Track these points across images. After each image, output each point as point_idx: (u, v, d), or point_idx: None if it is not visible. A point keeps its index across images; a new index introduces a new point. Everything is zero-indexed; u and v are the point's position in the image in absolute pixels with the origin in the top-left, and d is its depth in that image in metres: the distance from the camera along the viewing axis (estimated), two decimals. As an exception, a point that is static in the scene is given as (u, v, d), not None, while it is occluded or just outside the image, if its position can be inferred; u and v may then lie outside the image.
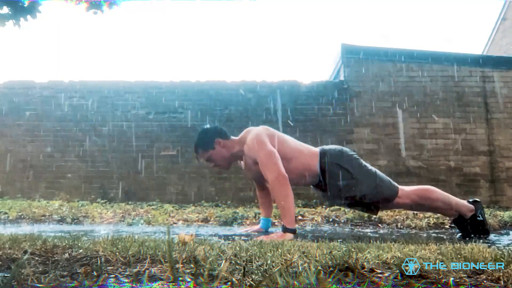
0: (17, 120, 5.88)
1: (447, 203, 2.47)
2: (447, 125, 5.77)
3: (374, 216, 3.05)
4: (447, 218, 3.13)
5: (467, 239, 2.44)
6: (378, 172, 2.55)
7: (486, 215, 2.61)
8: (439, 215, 3.38)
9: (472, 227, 2.45)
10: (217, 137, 2.56)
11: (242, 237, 2.20)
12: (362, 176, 2.44)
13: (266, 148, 2.36)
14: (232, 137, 2.62)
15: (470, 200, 2.54)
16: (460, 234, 2.57)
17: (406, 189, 2.51)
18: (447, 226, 3.08)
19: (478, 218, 2.42)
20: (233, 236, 2.33)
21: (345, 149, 2.60)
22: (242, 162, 2.73)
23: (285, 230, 2.18)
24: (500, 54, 9.51)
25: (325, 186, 2.48)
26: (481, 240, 2.25)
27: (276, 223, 3.15)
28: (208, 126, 2.66)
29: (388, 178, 2.56)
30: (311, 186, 2.69)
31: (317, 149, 2.58)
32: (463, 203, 2.49)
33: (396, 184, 2.54)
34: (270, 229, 2.74)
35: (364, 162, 2.56)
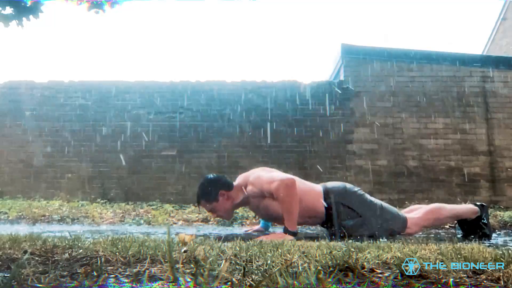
0: (17, 120, 5.88)
1: (453, 215, 2.49)
2: (447, 125, 5.76)
3: None
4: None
5: (468, 238, 2.44)
6: (384, 205, 2.50)
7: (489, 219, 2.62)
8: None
9: (474, 229, 2.46)
10: (222, 189, 2.47)
11: (242, 237, 2.21)
12: (368, 213, 2.38)
13: (265, 176, 2.34)
14: (235, 183, 2.53)
15: (478, 203, 2.56)
16: (461, 234, 2.58)
17: (415, 217, 2.47)
18: (447, 226, 3.08)
19: (482, 221, 2.43)
20: (233, 236, 2.33)
21: (348, 185, 2.55)
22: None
23: (286, 231, 2.17)
24: (500, 54, 9.51)
25: (331, 226, 2.41)
26: (481, 241, 2.25)
27: (276, 224, 3.15)
28: (211, 176, 2.56)
29: (395, 209, 2.51)
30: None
31: (320, 187, 2.50)
32: (469, 209, 2.50)
33: (403, 214, 2.49)
34: (270, 230, 2.74)
35: (369, 197, 2.51)
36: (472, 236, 2.43)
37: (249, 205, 2.59)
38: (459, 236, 2.60)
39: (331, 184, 2.56)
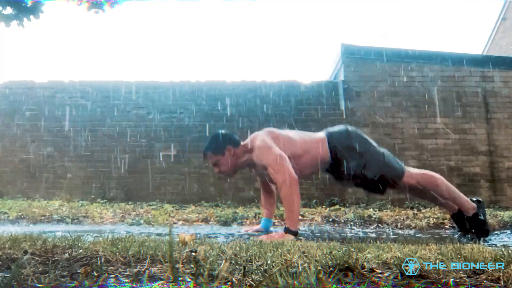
0: (17, 120, 5.88)
1: (450, 193, 2.49)
2: (447, 125, 5.76)
3: (380, 194, 2.83)
4: (447, 218, 3.14)
5: (466, 236, 2.45)
6: (385, 151, 2.57)
7: (487, 215, 2.61)
8: (439, 214, 3.38)
9: (472, 226, 2.45)
10: (229, 144, 2.57)
11: (243, 237, 2.20)
12: (370, 155, 2.46)
13: (273, 152, 2.36)
14: (242, 143, 2.62)
15: (474, 199, 2.55)
16: (458, 231, 2.58)
17: (413, 171, 2.54)
18: (447, 226, 3.08)
19: (479, 217, 2.42)
20: (234, 236, 2.33)
21: (351, 128, 2.62)
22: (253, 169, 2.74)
23: (287, 231, 2.18)
24: (500, 54, 9.51)
25: (336, 168, 2.50)
26: (480, 240, 2.25)
27: (276, 223, 3.15)
28: (222, 131, 2.66)
29: (395, 158, 2.58)
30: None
31: (323, 134, 2.59)
32: (466, 199, 2.50)
33: (403, 164, 2.55)
34: (270, 229, 2.74)
35: (371, 141, 2.57)
36: (470, 234, 2.43)
37: (254, 170, 2.70)
38: (457, 234, 2.60)
39: (333, 128, 2.64)
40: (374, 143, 2.57)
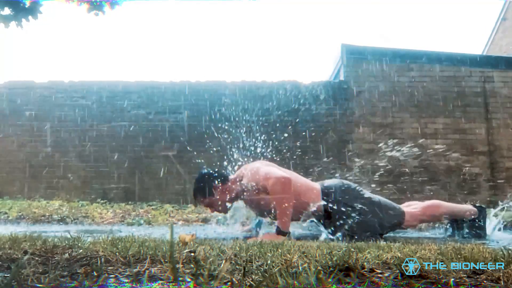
0: (17, 120, 5.88)
1: (451, 214, 2.50)
2: (447, 125, 5.76)
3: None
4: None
5: (464, 237, 2.46)
6: (382, 199, 2.50)
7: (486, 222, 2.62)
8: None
9: (469, 229, 2.47)
10: (217, 183, 2.47)
11: (242, 237, 2.20)
12: (367, 209, 2.38)
13: (265, 167, 2.35)
14: (231, 176, 2.53)
15: (477, 205, 2.57)
16: (452, 231, 2.59)
17: (412, 211, 2.48)
18: (447, 226, 3.08)
19: (478, 223, 2.44)
20: (233, 236, 2.32)
21: (345, 182, 2.55)
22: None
23: (279, 232, 2.15)
24: (500, 54, 9.51)
25: (330, 223, 2.40)
26: (479, 241, 2.25)
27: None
28: (205, 171, 2.55)
29: (392, 203, 2.52)
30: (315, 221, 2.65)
31: (318, 185, 2.50)
32: (466, 209, 2.51)
33: (401, 208, 2.50)
34: (261, 231, 2.74)
35: (366, 192, 2.51)
36: (466, 235, 2.45)
37: (244, 200, 2.56)
38: (450, 233, 2.61)
39: (328, 182, 2.56)
40: (369, 194, 2.50)
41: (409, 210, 2.50)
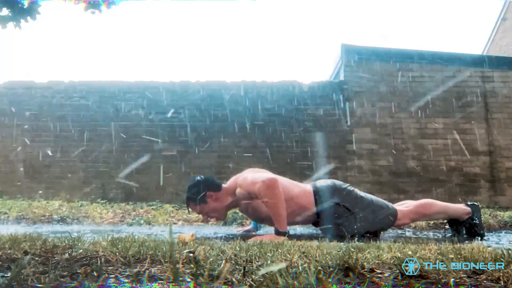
0: (17, 120, 5.88)
1: (444, 213, 2.51)
2: (447, 125, 5.76)
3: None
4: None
5: (462, 237, 2.46)
6: (374, 198, 2.51)
7: (486, 215, 2.63)
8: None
9: (466, 229, 2.48)
10: (209, 190, 2.44)
11: (242, 237, 2.20)
12: (359, 209, 2.39)
13: (252, 174, 2.35)
14: (224, 185, 2.51)
15: (469, 203, 2.57)
16: (451, 233, 2.60)
17: (405, 210, 2.49)
18: (447, 227, 3.08)
19: (473, 221, 2.45)
20: (233, 236, 2.32)
21: (337, 182, 2.54)
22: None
23: (278, 233, 2.16)
24: (500, 54, 9.51)
25: (323, 225, 2.42)
26: (479, 240, 2.25)
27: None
28: (199, 178, 2.52)
29: (385, 202, 2.52)
30: (310, 225, 2.64)
31: (309, 187, 2.50)
32: (460, 208, 2.52)
33: (393, 206, 2.51)
34: (260, 231, 2.74)
35: (358, 192, 2.51)
36: (465, 236, 2.45)
37: (239, 207, 2.57)
38: (449, 234, 2.61)
39: (320, 182, 2.55)
40: (361, 194, 2.50)
41: (402, 208, 2.51)
